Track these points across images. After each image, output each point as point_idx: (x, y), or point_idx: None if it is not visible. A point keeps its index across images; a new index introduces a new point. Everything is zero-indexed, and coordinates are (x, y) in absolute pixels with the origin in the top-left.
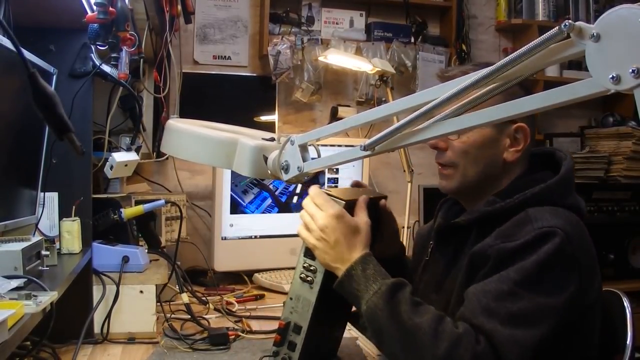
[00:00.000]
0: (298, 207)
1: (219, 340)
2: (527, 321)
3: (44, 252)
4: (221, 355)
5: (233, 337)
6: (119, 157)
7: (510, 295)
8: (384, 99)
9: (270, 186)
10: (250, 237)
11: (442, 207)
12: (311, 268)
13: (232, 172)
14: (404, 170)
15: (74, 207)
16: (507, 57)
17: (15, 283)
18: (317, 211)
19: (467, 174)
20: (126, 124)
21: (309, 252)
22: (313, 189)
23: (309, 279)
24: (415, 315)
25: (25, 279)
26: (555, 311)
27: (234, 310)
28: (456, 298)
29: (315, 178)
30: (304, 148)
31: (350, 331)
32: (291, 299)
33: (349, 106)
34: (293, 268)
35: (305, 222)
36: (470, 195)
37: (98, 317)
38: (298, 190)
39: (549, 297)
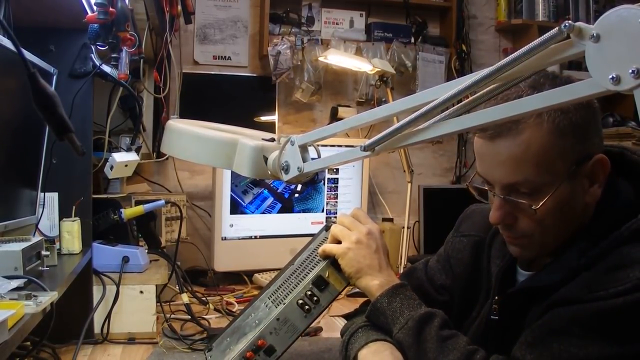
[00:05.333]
0: (298, 206)
1: None
2: None
3: (44, 253)
4: None
5: None
6: (119, 157)
7: (578, 338)
8: (384, 99)
9: (271, 186)
10: (250, 238)
11: (494, 239)
12: (314, 298)
13: (232, 172)
14: (404, 171)
15: (74, 207)
16: (507, 58)
17: (15, 283)
18: (359, 223)
19: (545, 241)
20: (126, 124)
21: (319, 282)
22: (356, 209)
23: (307, 307)
24: (442, 354)
25: (26, 279)
26: None
27: (234, 310)
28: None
29: (315, 179)
30: (304, 148)
31: None
32: (278, 319)
33: (349, 106)
34: None
35: (338, 230)
36: (552, 252)
37: (98, 317)
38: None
39: (622, 347)
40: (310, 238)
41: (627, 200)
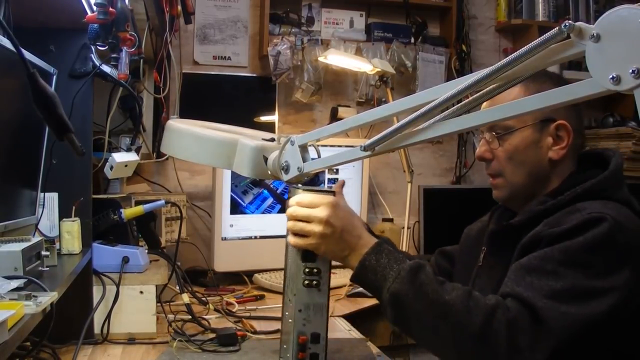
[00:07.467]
0: None
1: (228, 340)
2: (569, 299)
3: (44, 253)
4: (231, 356)
5: (240, 337)
6: (119, 157)
7: (553, 274)
8: (384, 99)
9: (271, 186)
10: (250, 238)
11: (494, 213)
12: (314, 271)
13: (232, 172)
14: (404, 171)
15: (74, 207)
16: (508, 58)
17: (15, 283)
18: (311, 210)
19: (514, 180)
20: (126, 124)
21: (307, 256)
22: (295, 196)
23: (314, 282)
24: (444, 292)
25: (25, 280)
26: (600, 297)
27: (234, 310)
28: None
29: (315, 179)
30: (304, 148)
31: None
32: (300, 310)
33: (349, 106)
34: None
35: (299, 228)
36: (523, 199)
37: (98, 317)
38: None
39: (593, 280)
40: None
41: (590, 176)
